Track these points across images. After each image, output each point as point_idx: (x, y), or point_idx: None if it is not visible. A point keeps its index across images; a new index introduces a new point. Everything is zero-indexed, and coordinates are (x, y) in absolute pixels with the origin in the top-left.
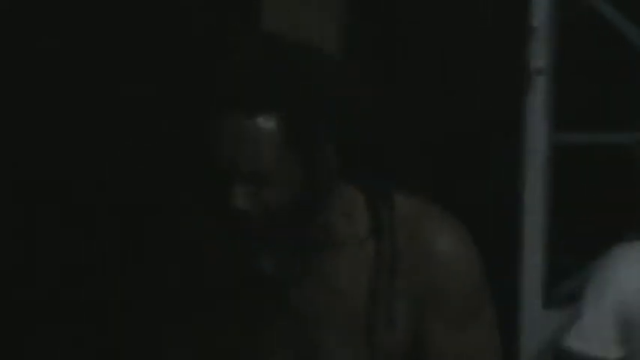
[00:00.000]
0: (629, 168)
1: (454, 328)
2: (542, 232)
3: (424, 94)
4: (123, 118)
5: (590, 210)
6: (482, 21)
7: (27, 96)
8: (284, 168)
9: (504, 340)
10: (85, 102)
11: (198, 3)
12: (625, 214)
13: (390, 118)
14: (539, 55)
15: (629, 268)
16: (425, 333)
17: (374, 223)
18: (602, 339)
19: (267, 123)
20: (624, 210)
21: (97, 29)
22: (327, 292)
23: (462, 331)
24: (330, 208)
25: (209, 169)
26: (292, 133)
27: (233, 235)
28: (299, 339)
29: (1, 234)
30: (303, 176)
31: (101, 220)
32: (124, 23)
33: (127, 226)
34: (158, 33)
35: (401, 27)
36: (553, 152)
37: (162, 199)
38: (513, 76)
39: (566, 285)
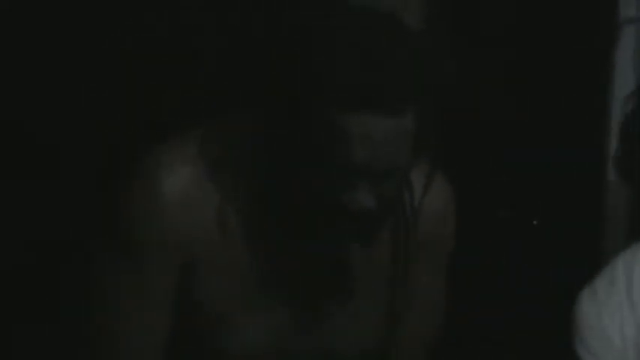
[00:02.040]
0: None
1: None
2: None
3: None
4: None
5: None
6: None
7: None
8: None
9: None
10: None
11: None
12: None
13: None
14: (629, 3)
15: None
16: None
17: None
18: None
19: (405, 122)
20: None
21: None
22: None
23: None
24: None
25: (332, 166)
26: (422, 130)
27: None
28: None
29: None
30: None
31: None
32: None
33: None
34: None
35: None
36: None
37: None
38: (602, 26)
39: None
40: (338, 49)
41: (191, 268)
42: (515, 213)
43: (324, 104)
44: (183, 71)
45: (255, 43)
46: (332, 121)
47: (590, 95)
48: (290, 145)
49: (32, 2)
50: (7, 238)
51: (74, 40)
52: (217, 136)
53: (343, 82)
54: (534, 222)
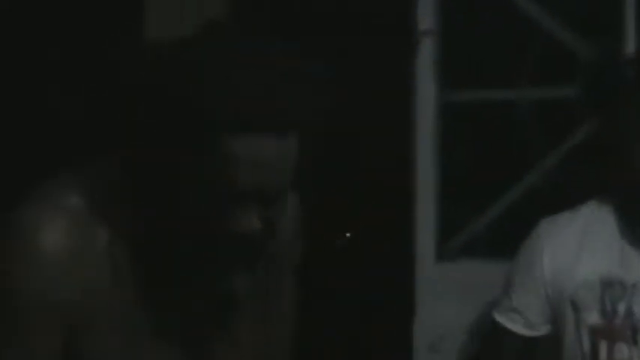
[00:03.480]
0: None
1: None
2: (434, 188)
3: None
4: None
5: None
6: None
7: None
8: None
9: (401, 291)
10: None
11: None
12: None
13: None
14: (426, 17)
15: (553, 246)
16: None
17: None
18: (530, 320)
19: (291, 143)
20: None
21: None
22: None
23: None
24: None
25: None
26: (302, 152)
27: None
28: None
29: None
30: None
31: None
32: None
33: None
34: None
35: None
36: (443, 110)
37: None
38: (401, 39)
39: (458, 239)
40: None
41: (78, 327)
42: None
43: (211, 130)
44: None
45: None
46: (220, 145)
47: (394, 106)
48: (181, 172)
49: None
50: None
51: None
52: (92, 176)
53: (229, 106)
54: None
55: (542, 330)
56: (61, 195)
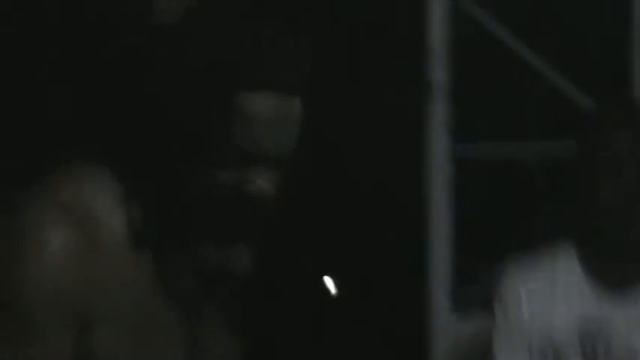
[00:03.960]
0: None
1: None
2: (448, 238)
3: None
4: None
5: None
6: (381, 40)
7: None
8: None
9: (415, 341)
10: None
11: None
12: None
13: None
14: (439, 72)
15: (529, 292)
16: None
17: None
18: None
19: (297, 104)
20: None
21: None
22: None
23: None
24: None
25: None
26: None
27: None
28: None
29: None
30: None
31: None
32: None
33: None
34: None
35: None
36: (457, 164)
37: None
38: (415, 93)
39: (473, 289)
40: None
41: (91, 328)
42: None
43: (220, 87)
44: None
45: None
46: (230, 102)
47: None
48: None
49: None
50: None
51: None
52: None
53: (241, 61)
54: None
55: None
56: (64, 189)
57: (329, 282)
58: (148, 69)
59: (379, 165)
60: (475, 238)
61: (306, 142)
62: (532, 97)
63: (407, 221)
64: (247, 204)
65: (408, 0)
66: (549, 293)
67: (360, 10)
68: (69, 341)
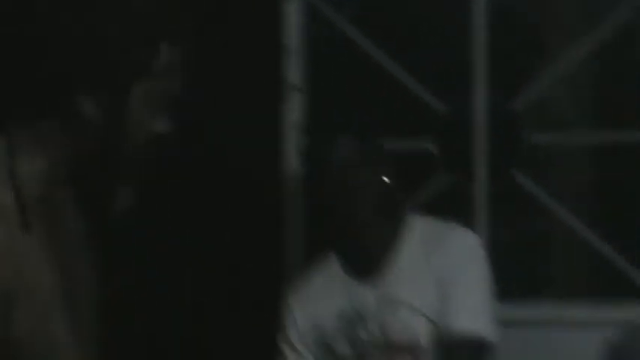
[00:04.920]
0: None
1: None
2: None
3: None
4: None
5: None
6: (238, 40)
7: None
8: None
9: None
10: None
11: None
12: None
13: None
14: (294, 72)
15: (299, 301)
16: None
17: None
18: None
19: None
20: None
21: None
22: None
23: None
24: None
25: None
26: None
27: None
28: None
29: None
30: None
31: None
32: None
33: None
34: None
35: None
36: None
37: None
38: (271, 93)
39: None
40: None
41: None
42: None
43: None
44: None
45: None
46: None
47: (264, 154)
48: None
49: None
50: None
51: None
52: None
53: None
54: None
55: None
56: None
57: None
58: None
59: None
60: None
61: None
62: (384, 97)
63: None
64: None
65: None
66: (314, 295)
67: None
68: None
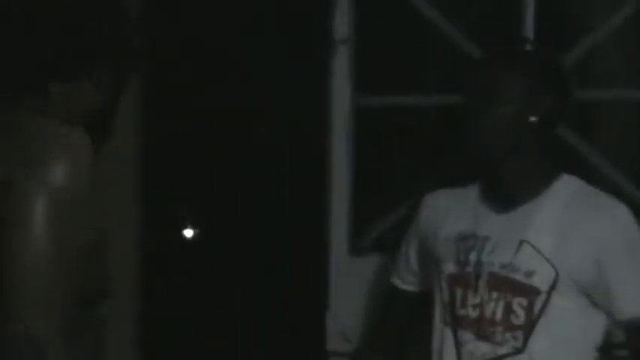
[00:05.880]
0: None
1: None
2: (348, 184)
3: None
4: None
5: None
6: None
7: None
8: None
9: (314, 283)
10: None
11: None
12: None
13: None
14: (342, 26)
15: (428, 213)
16: None
17: None
18: (406, 277)
19: None
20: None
21: None
22: None
23: None
24: None
25: None
26: None
27: None
28: None
29: None
30: None
31: None
32: None
33: None
34: None
35: None
36: (358, 112)
37: None
38: (318, 46)
39: (370, 234)
40: None
41: None
42: None
43: None
44: None
45: None
46: None
47: (311, 112)
48: None
49: None
50: None
51: None
52: None
53: None
54: None
55: (416, 287)
56: None
57: None
58: None
59: (285, 114)
60: (375, 184)
61: None
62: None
63: (309, 168)
64: None
65: None
66: (443, 214)
67: None
68: None
